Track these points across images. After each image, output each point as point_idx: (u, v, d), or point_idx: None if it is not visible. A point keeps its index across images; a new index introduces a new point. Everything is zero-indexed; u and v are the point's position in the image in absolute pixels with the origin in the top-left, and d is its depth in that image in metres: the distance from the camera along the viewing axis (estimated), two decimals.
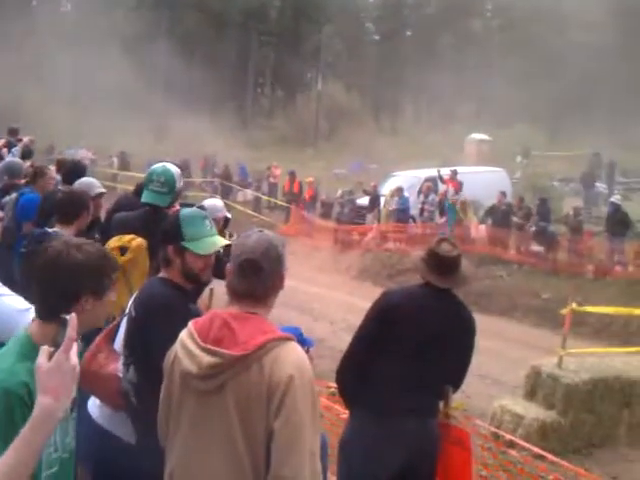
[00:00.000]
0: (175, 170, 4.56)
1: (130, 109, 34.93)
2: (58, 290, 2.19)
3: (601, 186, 26.87)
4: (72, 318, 1.84)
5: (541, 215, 17.03)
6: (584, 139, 34.12)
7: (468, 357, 3.86)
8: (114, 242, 4.11)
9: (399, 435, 3.62)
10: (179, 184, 4.55)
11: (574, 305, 7.98)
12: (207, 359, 2.26)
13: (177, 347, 2.39)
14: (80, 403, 2.44)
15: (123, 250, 4.07)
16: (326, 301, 14.10)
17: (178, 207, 4.19)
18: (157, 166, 4.57)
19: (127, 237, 4.14)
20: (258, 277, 2.36)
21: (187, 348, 2.33)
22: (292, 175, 23.97)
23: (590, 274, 15.21)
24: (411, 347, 3.67)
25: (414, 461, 3.69)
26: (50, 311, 2.12)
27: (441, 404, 3.87)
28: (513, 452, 4.78)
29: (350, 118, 44.48)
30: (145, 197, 4.43)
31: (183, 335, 2.39)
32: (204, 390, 2.28)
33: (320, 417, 4.16)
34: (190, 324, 2.40)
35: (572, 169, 29.38)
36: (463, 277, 3.86)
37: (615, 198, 17.82)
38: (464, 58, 45.58)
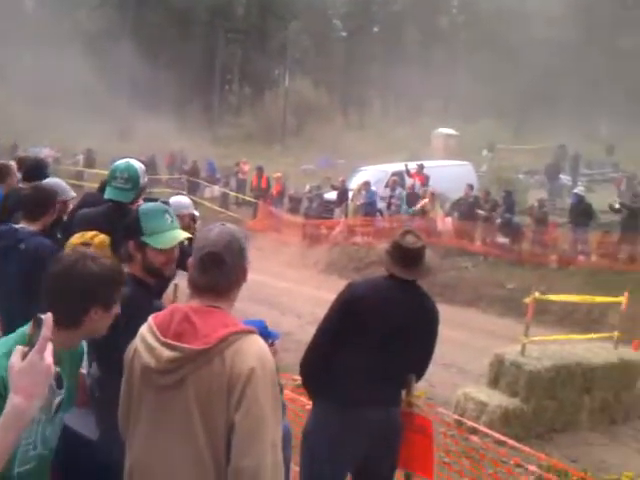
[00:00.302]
0: (139, 166, 4.53)
1: (94, 108, 34.53)
2: (72, 299, 2.22)
3: (565, 178, 27.29)
4: (47, 318, 1.83)
5: (506, 207, 17.29)
6: (549, 132, 34.58)
7: (431, 347, 3.91)
8: (76, 239, 4.08)
9: (362, 425, 3.67)
10: (143, 180, 4.51)
11: (537, 294, 8.14)
12: (167, 353, 2.25)
13: (137, 342, 2.38)
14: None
15: (85, 247, 4.06)
16: (294, 295, 14.16)
17: (142, 203, 4.20)
18: (120, 162, 4.53)
19: (90, 234, 4.11)
20: (220, 270, 2.35)
21: (147, 342, 2.32)
22: (260, 170, 23.89)
23: (554, 264, 15.50)
24: (375, 338, 3.71)
25: (377, 450, 3.74)
26: (60, 318, 2.13)
27: (404, 393, 3.94)
28: (475, 438, 4.89)
29: (318, 114, 44.49)
30: (108, 193, 4.40)
31: (143, 330, 2.38)
32: (164, 385, 2.27)
33: (284, 409, 4.23)
34: (150, 319, 2.39)
35: (537, 162, 29.77)
36: (427, 268, 3.88)
37: (579, 189, 18.13)
38: (431, 54, 45.90)
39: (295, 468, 4.21)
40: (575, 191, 17.97)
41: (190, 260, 2.43)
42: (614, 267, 14.71)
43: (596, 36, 40.04)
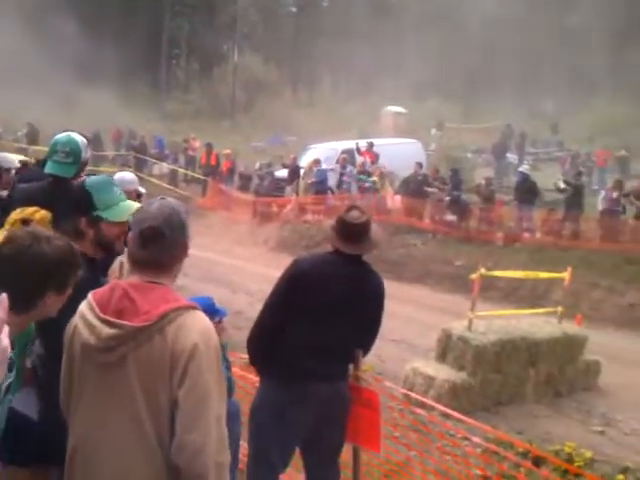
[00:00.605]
0: (80, 139, 4.41)
1: (36, 83, 33.46)
2: (26, 284, 2.15)
3: (512, 157, 27.78)
4: (2, 299, 1.77)
5: (453, 185, 17.50)
6: (497, 111, 35.02)
7: (378, 322, 3.93)
8: (16, 214, 3.95)
9: (309, 400, 3.68)
10: (85, 154, 4.40)
11: (482, 270, 8.27)
12: (107, 331, 2.22)
13: (76, 319, 2.33)
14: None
15: (26, 223, 3.94)
16: (244, 273, 14.10)
17: (84, 177, 4.09)
18: (61, 136, 4.40)
19: (30, 209, 3.99)
20: (160, 245, 2.31)
21: (86, 320, 2.28)
22: (209, 147, 23.57)
23: (500, 241, 15.78)
24: (321, 313, 3.72)
25: (324, 425, 3.76)
26: (13, 303, 2.06)
27: (351, 367, 3.96)
28: (423, 412, 4.94)
29: (267, 90, 44.09)
30: (49, 168, 4.28)
31: (83, 307, 2.34)
32: (105, 362, 2.24)
33: (233, 386, 4.20)
34: (90, 295, 2.34)
35: (485, 140, 30.19)
36: (372, 243, 3.88)
37: (524, 168, 18.47)
38: (381, 30, 45.78)
39: (244, 444, 4.20)
40: (520, 169, 18.31)
41: (130, 234, 2.39)
42: (558, 244, 15.08)
43: (542, 14, 40.53)
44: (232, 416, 4.32)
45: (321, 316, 3.71)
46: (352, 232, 3.74)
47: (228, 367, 4.51)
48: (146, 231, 2.32)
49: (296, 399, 3.67)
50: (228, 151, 23.50)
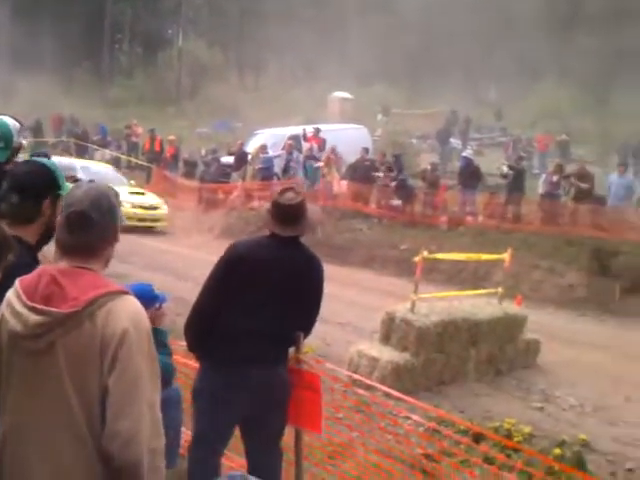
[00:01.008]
0: (12, 123, 4.29)
1: None
2: None
3: (455, 142, 28.17)
4: None
5: (397, 170, 17.66)
6: (442, 97, 35.34)
7: (317, 304, 3.92)
8: None
9: (246, 383, 3.67)
10: (17, 139, 4.30)
11: (425, 253, 8.39)
12: (33, 318, 2.17)
13: (3, 307, 2.28)
14: None
15: None
16: (189, 261, 13.92)
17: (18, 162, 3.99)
18: None
19: None
20: (87, 230, 2.26)
21: (13, 307, 2.23)
22: (152, 133, 23.27)
23: (444, 225, 16.03)
24: (258, 297, 3.70)
25: (263, 409, 3.76)
26: None
27: (292, 350, 3.97)
28: (366, 393, 5.00)
29: (213, 75, 43.54)
30: None
31: (10, 294, 2.27)
32: (33, 350, 2.19)
33: (174, 372, 4.17)
34: (16, 282, 2.28)
35: (431, 126, 30.47)
36: (309, 224, 3.88)
37: (467, 153, 18.75)
38: (325, 15, 45.64)
39: (187, 432, 4.19)
40: (464, 154, 18.59)
41: (58, 219, 2.34)
42: (500, 227, 15.39)
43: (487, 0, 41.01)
44: (173, 403, 4.30)
45: (258, 300, 3.70)
46: (287, 214, 3.72)
47: (169, 354, 4.48)
48: (72, 215, 2.27)
49: (232, 382, 3.66)
50: (172, 137, 23.21)
